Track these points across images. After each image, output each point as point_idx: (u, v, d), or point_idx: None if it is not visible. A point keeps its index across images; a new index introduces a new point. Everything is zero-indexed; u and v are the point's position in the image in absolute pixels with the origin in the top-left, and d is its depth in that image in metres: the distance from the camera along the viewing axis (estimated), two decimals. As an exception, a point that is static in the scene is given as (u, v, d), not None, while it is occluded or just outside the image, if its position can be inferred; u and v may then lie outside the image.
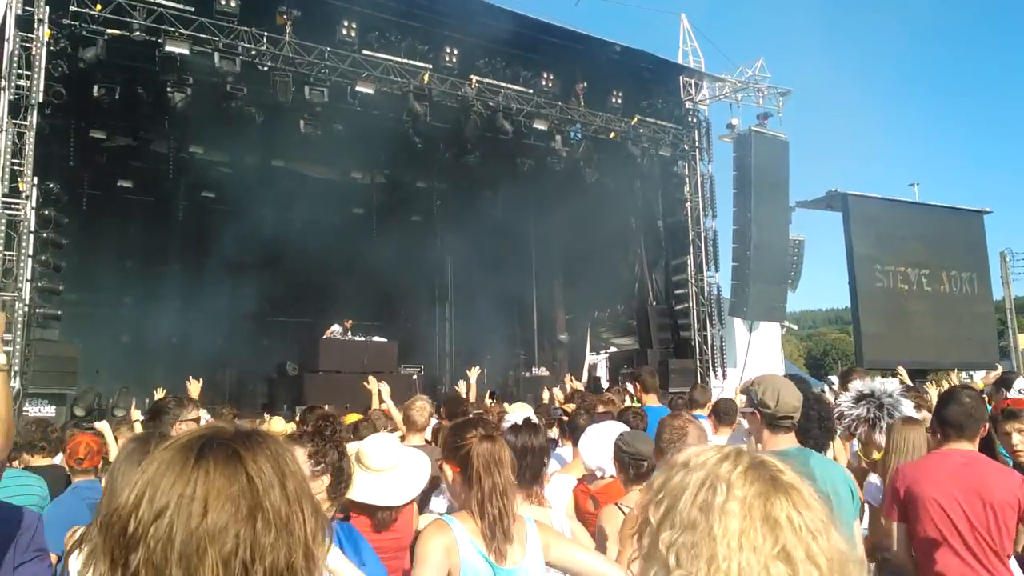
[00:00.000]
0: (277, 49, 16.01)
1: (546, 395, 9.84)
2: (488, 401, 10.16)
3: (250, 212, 21.56)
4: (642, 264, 22.55)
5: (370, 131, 17.95)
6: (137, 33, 14.48)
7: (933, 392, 6.66)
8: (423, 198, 25.60)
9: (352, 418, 7.81)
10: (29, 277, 13.08)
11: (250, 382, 22.02)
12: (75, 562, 2.28)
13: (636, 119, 20.19)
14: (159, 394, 8.23)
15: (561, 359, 24.82)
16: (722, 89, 22.11)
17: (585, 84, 19.67)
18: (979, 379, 15.27)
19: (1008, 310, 34.51)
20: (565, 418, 6.46)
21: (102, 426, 6.82)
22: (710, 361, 20.78)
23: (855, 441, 5.35)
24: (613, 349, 24.72)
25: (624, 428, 4.69)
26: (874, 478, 4.76)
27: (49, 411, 13.16)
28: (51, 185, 14.12)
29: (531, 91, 18.86)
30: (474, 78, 18.08)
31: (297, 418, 9.25)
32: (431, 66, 17.56)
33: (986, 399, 7.59)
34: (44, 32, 13.34)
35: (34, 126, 13.15)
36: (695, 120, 21.51)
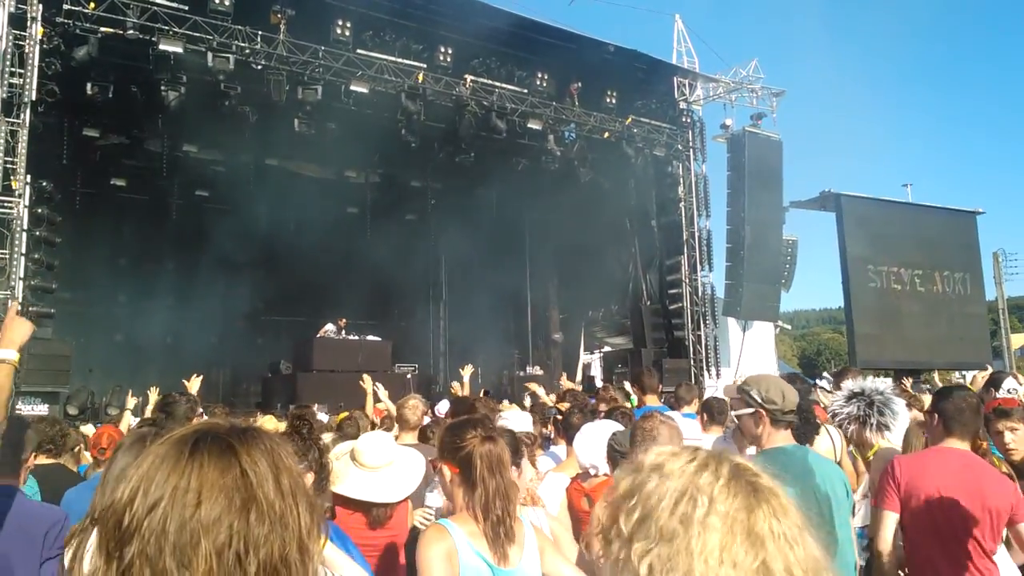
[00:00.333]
0: (271, 48, 15.98)
1: (536, 390, 9.80)
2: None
3: (244, 211, 21.52)
4: (636, 264, 22.58)
5: (364, 130, 17.94)
6: (131, 31, 14.45)
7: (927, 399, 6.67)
8: (417, 197, 25.62)
9: (343, 417, 7.82)
10: (22, 275, 13.05)
11: (244, 381, 22.02)
12: (67, 556, 2.30)
13: (630, 119, 20.21)
14: (153, 393, 8.20)
15: (555, 358, 24.85)
16: (716, 89, 22.16)
17: (579, 84, 19.68)
18: (959, 378, 15.34)
19: (1001, 310, 34.65)
20: (559, 417, 6.46)
21: (87, 430, 6.82)
22: (704, 361, 20.83)
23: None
24: (607, 348, 24.73)
25: (618, 427, 4.71)
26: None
27: (42, 409, 13.12)
28: (44, 183, 14.07)
29: (525, 91, 18.87)
30: (468, 77, 18.09)
31: (289, 414, 9.23)
32: (425, 65, 17.56)
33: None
34: (37, 30, 13.29)
35: (27, 124, 13.10)
36: (689, 120, 21.55)
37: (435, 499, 4.40)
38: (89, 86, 15.25)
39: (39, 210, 13.78)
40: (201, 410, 7.67)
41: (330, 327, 19.93)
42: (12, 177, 12.91)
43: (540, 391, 9.29)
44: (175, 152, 20.82)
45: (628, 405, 7.36)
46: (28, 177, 13.16)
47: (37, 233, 13.75)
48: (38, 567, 3.38)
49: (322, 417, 9.32)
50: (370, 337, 20.68)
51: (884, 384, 4.99)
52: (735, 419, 3.70)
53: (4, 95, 12.96)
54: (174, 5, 15.03)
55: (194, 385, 7.26)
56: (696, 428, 6.42)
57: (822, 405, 6.27)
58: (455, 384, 9.58)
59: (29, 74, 13.09)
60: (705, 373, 20.66)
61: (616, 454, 3.99)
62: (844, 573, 3.50)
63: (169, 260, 22.25)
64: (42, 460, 6.14)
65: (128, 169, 21.12)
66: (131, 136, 19.70)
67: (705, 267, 21.38)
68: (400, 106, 17.37)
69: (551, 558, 2.90)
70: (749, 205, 21.10)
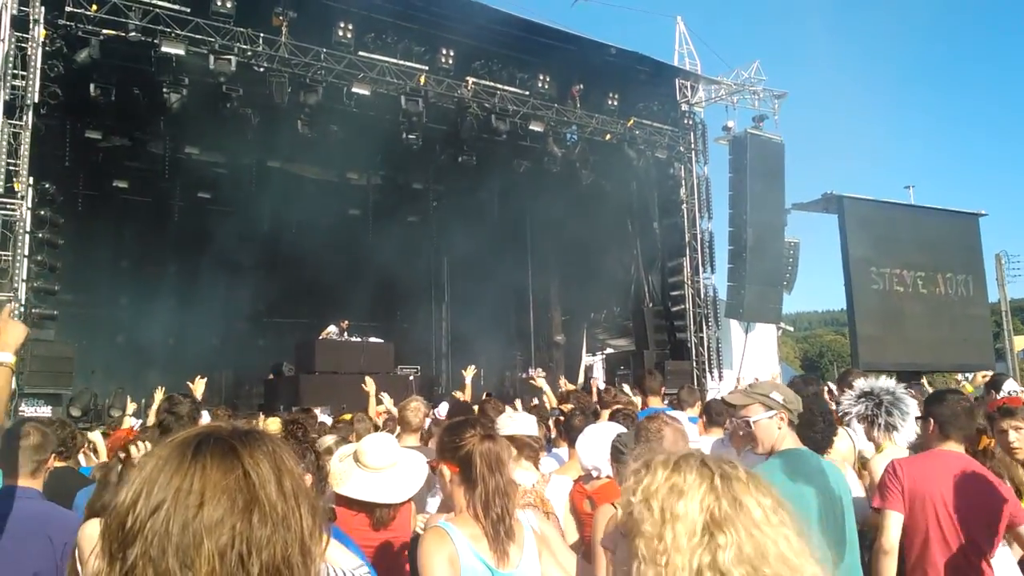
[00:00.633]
0: (273, 50, 15.99)
1: (543, 386, 9.78)
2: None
3: (246, 213, 21.58)
4: (638, 266, 22.56)
5: (366, 132, 17.95)
6: (133, 34, 14.45)
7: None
8: (419, 199, 25.65)
9: (347, 419, 7.83)
10: (25, 277, 13.04)
11: (246, 383, 22.03)
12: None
13: (632, 121, 20.20)
14: (159, 394, 8.22)
15: (557, 360, 24.82)
16: (718, 91, 22.15)
17: (581, 86, 19.68)
18: (963, 380, 15.32)
19: (1003, 312, 34.59)
20: (561, 418, 6.46)
21: (95, 436, 6.82)
22: (706, 363, 20.81)
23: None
24: (609, 350, 24.71)
25: (621, 429, 4.70)
26: None
27: (45, 411, 13.12)
28: (47, 185, 14.07)
29: (527, 93, 18.86)
30: (470, 80, 18.09)
31: (291, 416, 9.23)
32: (427, 68, 17.56)
33: (976, 401, 7.65)
34: (39, 32, 13.29)
35: (30, 126, 13.10)
36: (691, 122, 21.53)
37: (435, 504, 4.40)
38: (91, 88, 15.25)
39: (41, 212, 13.78)
40: (205, 412, 7.68)
41: (332, 329, 19.93)
42: (15, 179, 12.92)
43: (547, 388, 9.29)
44: (177, 154, 20.84)
45: (635, 404, 7.36)
46: (30, 179, 13.16)
47: (39, 235, 13.75)
48: (57, 573, 3.39)
49: (324, 419, 9.34)
50: (372, 339, 20.68)
51: (894, 384, 4.98)
52: (748, 424, 3.67)
53: (6, 97, 12.97)
54: (176, 7, 15.03)
55: (199, 387, 7.27)
56: (695, 431, 6.43)
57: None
58: (458, 394, 9.56)
59: (31, 76, 13.08)
60: (707, 375, 20.65)
61: (621, 456, 3.98)
62: (853, 572, 3.51)
63: (171, 262, 22.26)
64: (55, 463, 6.18)
65: (130, 171, 21.14)
66: (133, 138, 19.72)
67: (707, 269, 21.36)
68: (402, 108, 17.36)
69: (548, 562, 2.89)
70: (751, 207, 21.08)
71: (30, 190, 13.14)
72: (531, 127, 18.89)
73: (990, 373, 9.11)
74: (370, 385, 9.04)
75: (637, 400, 8.38)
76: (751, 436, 3.70)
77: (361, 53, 16.83)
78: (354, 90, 16.84)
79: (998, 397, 7.21)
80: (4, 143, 12.78)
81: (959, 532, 3.75)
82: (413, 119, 17.57)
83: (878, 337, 24.03)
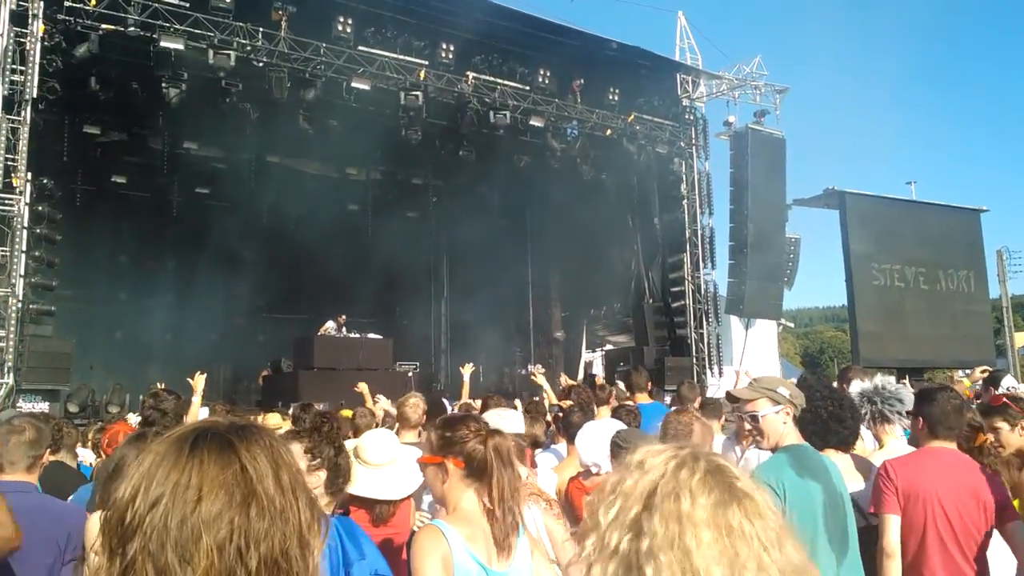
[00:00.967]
0: (272, 45, 15.96)
1: (542, 382, 9.74)
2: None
3: (245, 208, 21.57)
4: (638, 261, 22.54)
5: (366, 127, 17.93)
6: (132, 28, 14.44)
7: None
8: (419, 194, 25.63)
9: (346, 414, 7.80)
10: (23, 273, 13.04)
11: (245, 378, 22.00)
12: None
13: (633, 116, 20.17)
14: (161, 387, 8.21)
15: (557, 356, 24.82)
16: (719, 86, 22.13)
17: (582, 81, 19.66)
18: (961, 376, 15.30)
19: (1004, 308, 34.59)
20: (560, 415, 6.44)
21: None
22: (706, 359, 20.81)
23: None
24: (609, 346, 24.71)
25: (620, 425, 4.68)
26: None
27: (43, 407, 13.12)
28: (45, 180, 14.07)
29: (527, 88, 18.84)
30: (470, 74, 18.05)
31: (291, 413, 9.21)
32: (427, 62, 17.53)
33: (973, 396, 7.66)
34: (38, 27, 13.27)
35: (28, 121, 13.09)
36: (692, 117, 21.52)
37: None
38: (90, 83, 15.27)
39: (40, 207, 13.77)
40: (205, 408, 7.66)
41: (330, 324, 19.89)
42: (13, 174, 12.90)
43: (547, 385, 9.25)
44: (176, 149, 20.84)
45: (631, 404, 7.33)
46: (29, 174, 13.14)
47: (38, 230, 13.75)
48: (60, 566, 3.43)
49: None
50: (371, 335, 20.66)
51: (890, 381, 4.96)
52: (756, 418, 3.64)
53: (5, 92, 12.95)
54: (175, 2, 15.02)
55: (199, 383, 7.23)
56: None
57: None
58: (467, 402, 9.48)
59: (30, 71, 13.07)
60: (708, 371, 20.65)
61: (621, 452, 3.95)
62: (854, 567, 3.49)
63: (170, 257, 22.26)
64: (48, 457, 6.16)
65: (129, 166, 21.14)
66: (132, 133, 19.70)
67: (708, 265, 21.36)
68: (401, 103, 17.34)
69: (539, 560, 2.87)
70: (752, 203, 21.04)
71: (28, 185, 13.12)
72: (531, 122, 18.88)
73: (989, 368, 9.11)
74: (363, 388, 9.03)
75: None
76: (758, 431, 3.68)
77: (361, 48, 16.81)
78: (354, 85, 16.81)
79: (996, 393, 7.20)
80: (2, 138, 12.77)
81: (954, 529, 3.75)
82: (413, 114, 17.57)
83: (879, 333, 24.02)
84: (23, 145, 12.99)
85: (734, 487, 1.30)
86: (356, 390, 9.13)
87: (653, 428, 4.89)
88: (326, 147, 19.16)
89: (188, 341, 20.58)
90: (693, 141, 21.46)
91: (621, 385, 10.24)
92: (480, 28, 17.36)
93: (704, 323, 21.07)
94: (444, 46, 17.45)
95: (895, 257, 24.74)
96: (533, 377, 9.26)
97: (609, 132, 20.20)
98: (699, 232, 21.29)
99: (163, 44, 14.72)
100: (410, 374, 20.59)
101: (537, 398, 9.46)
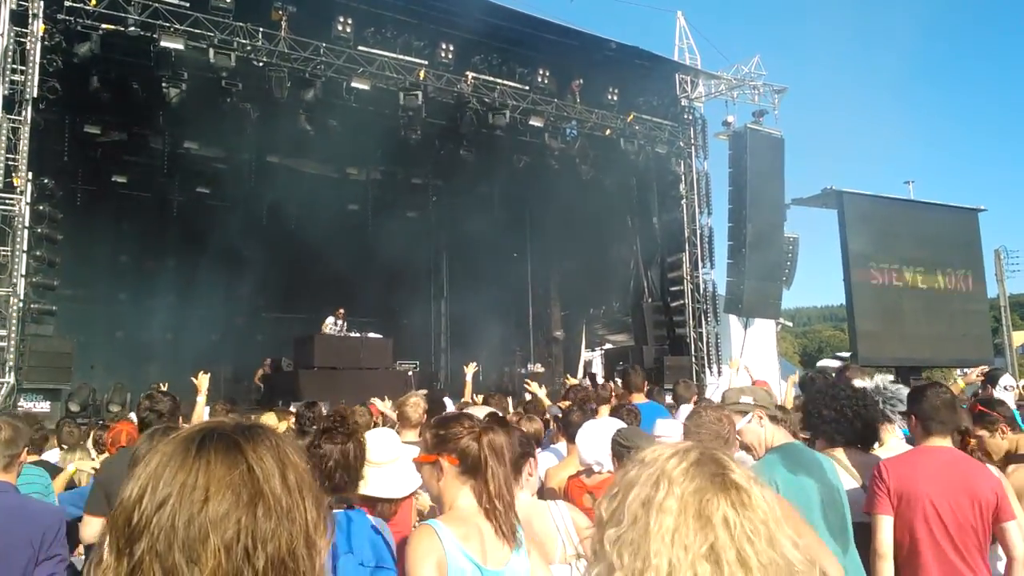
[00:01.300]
0: (272, 45, 15.98)
1: (536, 390, 9.79)
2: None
3: (245, 208, 21.59)
4: (637, 261, 22.55)
5: (365, 127, 17.94)
6: (132, 28, 14.44)
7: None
8: (418, 194, 25.63)
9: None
10: (24, 272, 13.05)
11: (245, 378, 22.01)
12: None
13: (632, 116, 20.17)
14: (163, 388, 8.24)
15: (556, 355, 24.85)
16: (718, 86, 22.14)
17: (581, 81, 19.66)
18: (958, 375, 15.32)
19: (1002, 307, 34.64)
20: (560, 415, 6.47)
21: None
22: (705, 358, 20.82)
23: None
24: (608, 346, 24.73)
25: (620, 424, 4.71)
26: None
27: (44, 407, 13.14)
28: (46, 180, 14.08)
29: (527, 88, 18.85)
30: (470, 74, 18.06)
31: (293, 410, 9.25)
32: (427, 62, 17.53)
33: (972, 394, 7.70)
34: (39, 27, 13.29)
35: (28, 121, 13.10)
36: (691, 117, 21.52)
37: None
38: (91, 83, 15.26)
39: (40, 207, 13.78)
40: (207, 408, 7.69)
41: (330, 320, 19.90)
42: (14, 174, 12.91)
43: (540, 392, 9.28)
44: (176, 149, 20.85)
45: (631, 403, 7.37)
46: (29, 174, 13.15)
47: (39, 230, 13.76)
48: (35, 566, 3.38)
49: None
50: (371, 334, 20.67)
51: (888, 380, 4.99)
52: (738, 434, 3.69)
53: (5, 92, 12.97)
54: (175, 2, 15.01)
55: (203, 383, 7.26)
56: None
57: None
58: (466, 401, 9.49)
59: (30, 71, 13.08)
60: (707, 370, 20.66)
61: (622, 449, 3.99)
62: (855, 562, 3.53)
63: (170, 257, 22.27)
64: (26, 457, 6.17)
65: (129, 166, 21.15)
66: (132, 133, 19.70)
67: (707, 264, 21.36)
68: (401, 103, 17.35)
69: (536, 560, 2.87)
70: (751, 202, 21.07)
71: (29, 185, 13.13)
72: (531, 122, 18.88)
73: (987, 368, 9.14)
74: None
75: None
76: (745, 445, 3.73)
77: (360, 48, 16.82)
78: (353, 85, 16.83)
79: (993, 391, 7.25)
80: (3, 138, 12.78)
81: (947, 528, 3.74)
82: (412, 114, 17.57)
83: (877, 332, 24.05)
84: (24, 145, 13.00)
85: (723, 477, 1.31)
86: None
87: (650, 427, 4.93)
88: (326, 147, 19.16)
89: (189, 340, 20.61)
90: (692, 141, 21.46)
91: (619, 382, 10.29)
92: (480, 28, 17.36)
93: (703, 322, 21.08)
94: (444, 46, 17.45)
95: (893, 256, 24.77)
96: (527, 386, 9.26)
97: (608, 132, 20.21)
98: (698, 231, 21.29)
99: (163, 44, 14.72)
100: (410, 373, 20.62)
101: (530, 397, 9.51)
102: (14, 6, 13.18)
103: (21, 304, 12.99)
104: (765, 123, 22.06)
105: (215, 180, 22.12)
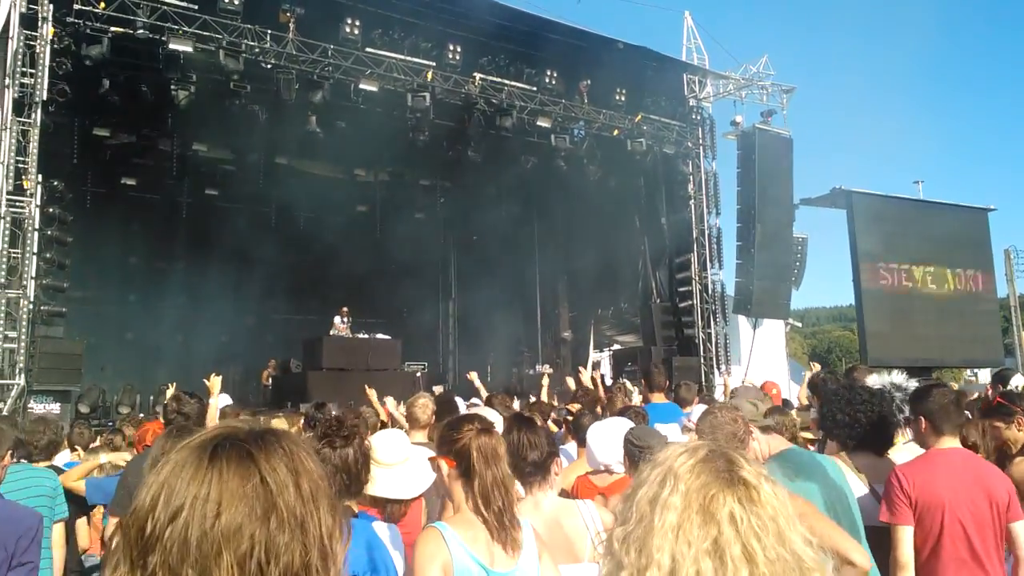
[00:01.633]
0: (280, 47, 16.01)
1: (543, 389, 9.78)
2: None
3: (254, 210, 21.66)
4: (646, 261, 22.52)
5: (373, 129, 17.96)
6: (141, 31, 14.51)
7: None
8: (427, 195, 25.68)
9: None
10: (34, 274, 13.11)
11: (254, 379, 22.08)
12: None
13: (640, 116, 20.15)
14: (171, 390, 8.27)
15: (564, 356, 24.82)
16: (726, 86, 22.08)
17: (589, 81, 19.64)
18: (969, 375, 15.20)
19: (1012, 307, 34.43)
20: (569, 417, 6.46)
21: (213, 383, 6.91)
22: (714, 359, 20.77)
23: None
24: (616, 346, 24.72)
25: (629, 424, 4.69)
26: None
27: (54, 408, 13.18)
28: (55, 183, 14.15)
29: (534, 88, 18.85)
30: (477, 75, 18.08)
31: (303, 411, 9.25)
32: (435, 64, 17.55)
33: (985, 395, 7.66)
34: (48, 30, 13.35)
35: (38, 124, 13.16)
36: (699, 117, 21.48)
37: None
38: (100, 86, 15.33)
39: (50, 209, 13.86)
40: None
41: (337, 320, 19.95)
42: (24, 176, 12.97)
43: (543, 395, 9.25)
44: (185, 151, 20.92)
45: (638, 405, 7.33)
46: (39, 177, 13.21)
47: (48, 232, 13.83)
48: (6, 571, 3.34)
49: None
50: (380, 335, 20.70)
51: (904, 379, 4.93)
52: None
53: (15, 95, 13.02)
54: (184, 4, 15.07)
55: (215, 384, 7.27)
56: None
57: None
58: (473, 401, 9.49)
59: (40, 74, 13.15)
60: (715, 371, 20.59)
61: (634, 449, 3.98)
62: None
63: (179, 259, 22.36)
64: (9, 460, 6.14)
65: (138, 168, 21.25)
66: (141, 135, 19.80)
67: (715, 264, 21.31)
68: (409, 104, 17.37)
69: (547, 562, 2.86)
70: (759, 202, 21.01)
71: (39, 188, 13.19)
72: (538, 123, 18.89)
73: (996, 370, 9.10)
74: (370, 393, 9.04)
75: (636, 397, 8.35)
76: None
77: (368, 49, 16.84)
78: (361, 86, 16.87)
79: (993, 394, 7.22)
80: (13, 141, 12.84)
81: (967, 533, 3.69)
82: (420, 115, 17.59)
83: (886, 333, 23.93)
84: (33, 147, 13.06)
85: (732, 474, 1.31)
86: (367, 390, 9.16)
87: (671, 426, 4.90)
88: (334, 148, 19.19)
89: (198, 342, 20.69)
90: (700, 141, 21.43)
91: (628, 384, 10.26)
92: (487, 29, 17.37)
93: (712, 323, 21.03)
94: (451, 47, 17.46)
95: (903, 256, 24.66)
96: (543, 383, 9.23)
97: (616, 132, 20.19)
98: (706, 232, 21.26)
99: (172, 46, 14.78)
100: (418, 374, 20.63)
101: (534, 399, 9.50)
102: (24, 9, 13.24)
103: (31, 306, 13.04)
104: (774, 123, 22.00)
105: (224, 182, 22.19)
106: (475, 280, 25.42)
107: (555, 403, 9.39)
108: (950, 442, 3.96)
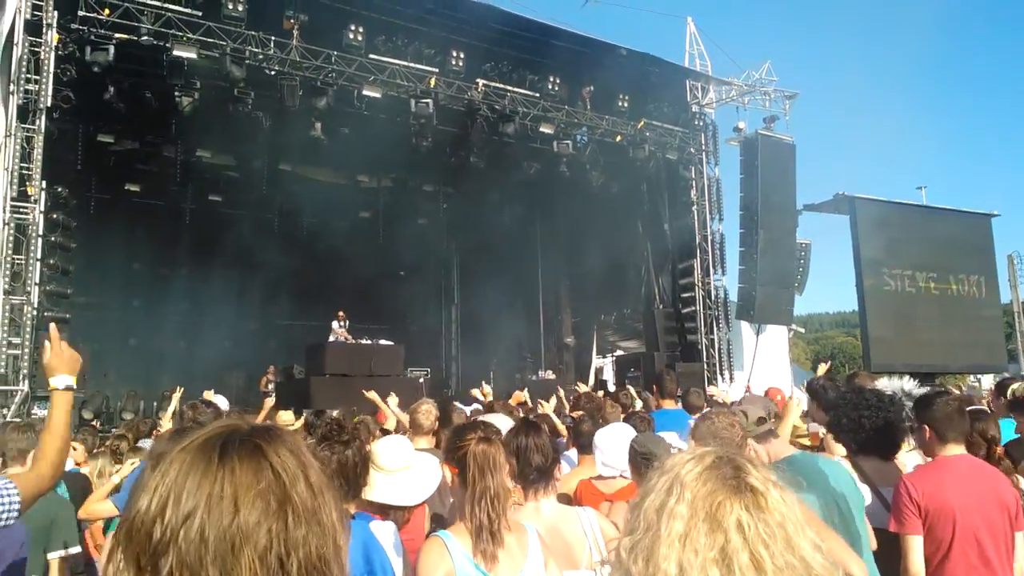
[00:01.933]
0: (284, 53, 16.05)
1: (549, 400, 9.76)
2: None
3: (257, 216, 21.69)
4: (648, 267, 22.53)
5: (377, 135, 17.97)
6: (145, 38, 14.54)
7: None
8: (430, 201, 25.69)
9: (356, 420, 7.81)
10: (38, 280, 13.13)
11: (257, 385, 22.08)
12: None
13: (642, 123, 20.18)
14: (177, 394, 8.29)
15: (568, 362, 24.83)
16: (729, 92, 22.08)
17: (591, 88, 19.67)
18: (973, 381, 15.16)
19: (1016, 313, 34.32)
20: (571, 424, 6.46)
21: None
22: (717, 365, 20.76)
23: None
24: (619, 352, 24.69)
25: (633, 431, 4.69)
26: None
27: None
28: (59, 189, 14.17)
29: (537, 95, 18.87)
30: (480, 82, 18.11)
31: (303, 420, 9.24)
32: (438, 70, 17.59)
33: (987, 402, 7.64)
34: (52, 37, 13.40)
35: (42, 130, 13.20)
36: (702, 123, 21.50)
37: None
38: (104, 92, 15.36)
39: (54, 215, 13.87)
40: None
41: (335, 325, 19.92)
42: (28, 183, 13.01)
43: (549, 407, 9.20)
44: (189, 157, 20.96)
45: (643, 410, 7.32)
46: (43, 183, 13.24)
47: (52, 238, 13.84)
48: None
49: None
50: (383, 341, 20.67)
51: (912, 384, 4.92)
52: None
53: (20, 101, 13.07)
54: (188, 11, 15.11)
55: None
56: None
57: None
58: (476, 407, 9.47)
59: (44, 80, 13.18)
60: (718, 377, 20.58)
61: (638, 456, 3.98)
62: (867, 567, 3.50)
63: (183, 265, 22.39)
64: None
65: (142, 174, 21.28)
66: (145, 142, 19.85)
67: (718, 270, 21.32)
68: (412, 111, 17.39)
69: (553, 570, 2.86)
70: (762, 208, 21.00)
71: (43, 194, 13.22)
72: (541, 129, 18.91)
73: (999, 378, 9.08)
74: (372, 395, 9.01)
75: (638, 404, 8.32)
76: None
77: (372, 56, 16.89)
78: (365, 93, 16.89)
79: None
80: (17, 147, 12.88)
81: (979, 541, 3.67)
82: (423, 121, 17.61)
83: (890, 339, 23.86)
84: (38, 154, 13.09)
85: (739, 480, 1.31)
86: (367, 396, 9.13)
87: (672, 433, 4.88)
88: (338, 155, 19.23)
89: (202, 348, 20.70)
90: (703, 147, 21.44)
91: (632, 390, 10.23)
92: (490, 36, 17.42)
93: (715, 329, 21.03)
94: (454, 54, 17.50)
95: (906, 262, 24.59)
96: (541, 406, 9.19)
97: (619, 138, 20.21)
98: (709, 238, 21.26)
99: (176, 53, 14.83)
100: (421, 380, 20.60)
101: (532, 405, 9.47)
102: (28, 16, 13.29)
103: (35, 312, 13.06)
104: (776, 129, 22.00)
105: (228, 188, 22.21)
106: (478, 286, 25.41)
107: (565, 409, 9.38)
108: (955, 449, 3.93)
